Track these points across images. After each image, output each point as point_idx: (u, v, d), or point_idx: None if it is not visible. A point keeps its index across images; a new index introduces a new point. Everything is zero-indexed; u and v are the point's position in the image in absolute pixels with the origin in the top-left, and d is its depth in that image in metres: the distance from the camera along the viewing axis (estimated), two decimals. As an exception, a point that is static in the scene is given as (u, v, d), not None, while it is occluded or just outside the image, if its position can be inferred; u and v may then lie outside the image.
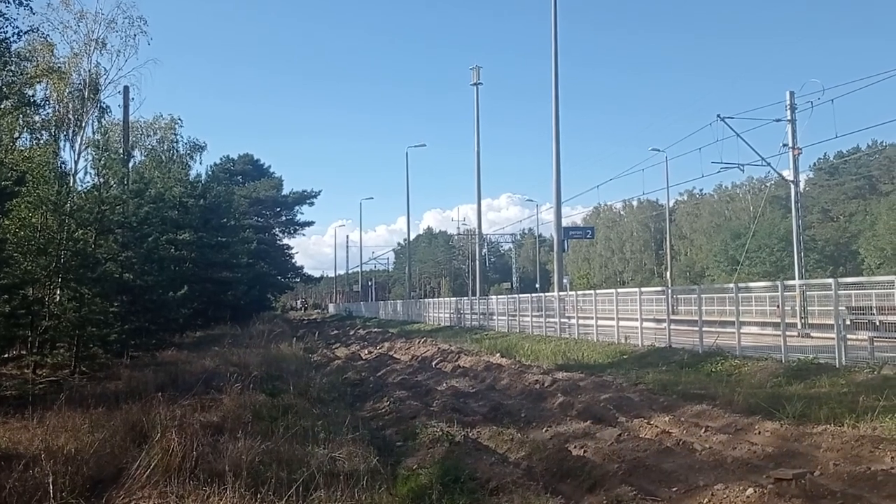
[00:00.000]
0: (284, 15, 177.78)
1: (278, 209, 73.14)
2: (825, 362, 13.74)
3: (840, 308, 14.51)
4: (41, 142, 28.07)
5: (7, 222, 16.16)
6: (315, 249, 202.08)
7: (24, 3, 20.04)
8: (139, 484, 6.60)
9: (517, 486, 7.09)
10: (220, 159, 68.74)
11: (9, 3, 19.03)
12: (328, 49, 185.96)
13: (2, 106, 20.60)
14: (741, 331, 17.10)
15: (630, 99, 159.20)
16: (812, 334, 18.92)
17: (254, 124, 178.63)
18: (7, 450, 8.22)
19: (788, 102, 26.96)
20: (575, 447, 8.95)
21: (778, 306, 18.50)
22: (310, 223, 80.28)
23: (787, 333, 16.04)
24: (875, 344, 13.89)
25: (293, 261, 73.19)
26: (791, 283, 22.51)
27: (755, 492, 6.43)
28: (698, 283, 62.13)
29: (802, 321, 22.36)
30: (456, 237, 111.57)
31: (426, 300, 63.39)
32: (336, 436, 9.05)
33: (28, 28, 22.48)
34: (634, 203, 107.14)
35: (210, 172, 57.68)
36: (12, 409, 10.62)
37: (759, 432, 9.00)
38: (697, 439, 8.96)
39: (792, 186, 28.17)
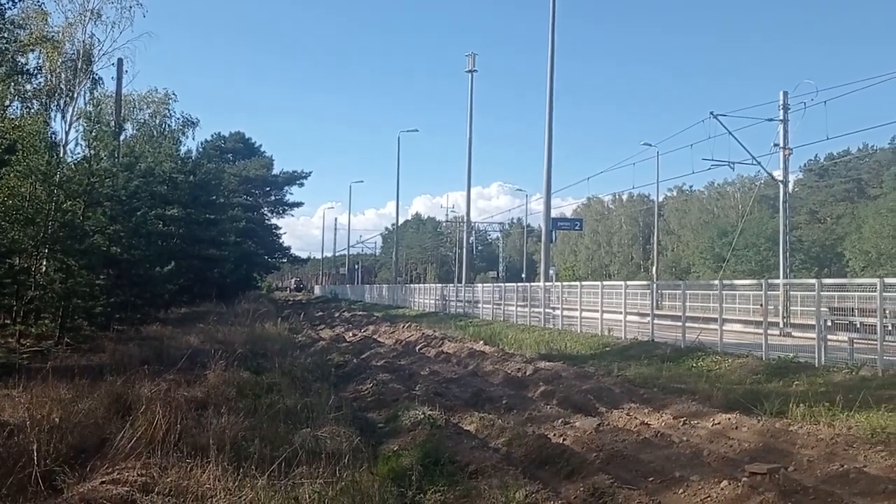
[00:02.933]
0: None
1: (268, 189, 72.88)
2: (805, 361, 13.93)
3: (822, 309, 14.70)
4: (32, 111, 27.79)
5: (-5, 190, 16.09)
6: (303, 230, 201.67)
7: (19, -32, 19.82)
8: (123, 454, 6.64)
9: (496, 470, 7.21)
10: (212, 136, 68.34)
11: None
12: (323, 30, 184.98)
13: (-7, 73, 20.41)
14: (724, 328, 17.29)
15: (623, 93, 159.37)
16: (794, 333, 19.17)
17: (246, 103, 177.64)
18: (-9, 418, 8.23)
19: (781, 102, 27.06)
20: (554, 435, 9.09)
21: (761, 305, 18.71)
22: (299, 204, 79.99)
23: (769, 332, 16.25)
24: (855, 345, 14.07)
25: (281, 241, 73.03)
26: (775, 282, 22.75)
27: (730, 484, 6.58)
28: (684, 279, 62.50)
29: (785, 320, 22.60)
30: (444, 224, 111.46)
31: (412, 285, 63.50)
32: (319, 415, 9.12)
33: (23, -5, 22.24)
34: (624, 196, 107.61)
35: (201, 149, 57.25)
36: (-4, 378, 10.61)
37: (737, 427, 9.16)
38: (675, 432, 9.11)
39: (781, 186, 28.35)
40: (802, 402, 9.83)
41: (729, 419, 9.49)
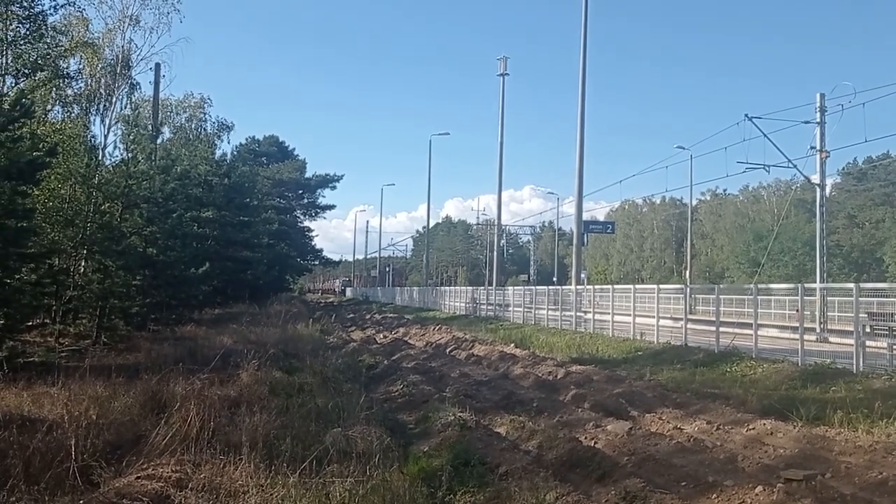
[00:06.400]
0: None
1: (301, 191, 73.52)
2: (843, 367, 13.64)
3: (861, 314, 14.39)
4: (72, 115, 28.42)
5: (37, 193, 16.44)
6: (335, 233, 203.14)
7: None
8: (157, 451, 6.76)
9: (527, 472, 7.18)
10: (246, 139, 69.25)
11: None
12: (356, 34, 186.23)
13: (36, 77, 20.89)
14: (759, 332, 17.01)
15: (657, 95, 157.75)
16: (831, 339, 18.79)
17: (280, 107, 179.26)
18: (31, 414, 8.42)
19: (818, 105, 26.54)
20: (586, 438, 9.02)
21: (797, 310, 18.38)
22: (331, 207, 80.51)
23: (806, 337, 15.93)
24: (894, 351, 13.77)
25: (313, 243, 73.63)
26: (812, 286, 22.31)
27: (765, 490, 6.47)
28: (718, 283, 61.63)
29: (822, 325, 22.16)
30: (475, 227, 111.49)
31: (442, 288, 63.53)
32: (350, 416, 9.18)
33: (65, 1, 22.72)
34: (657, 200, 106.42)
35: (236, 152, 58.15)
36: (36, 375, 10.84)
37: (773, 433, 8.99)
38: (709, 437, 8.98)
39: (818, 190, 27.82)
40: (840, 409, 9.63)
41: (764, 425, 9.33)
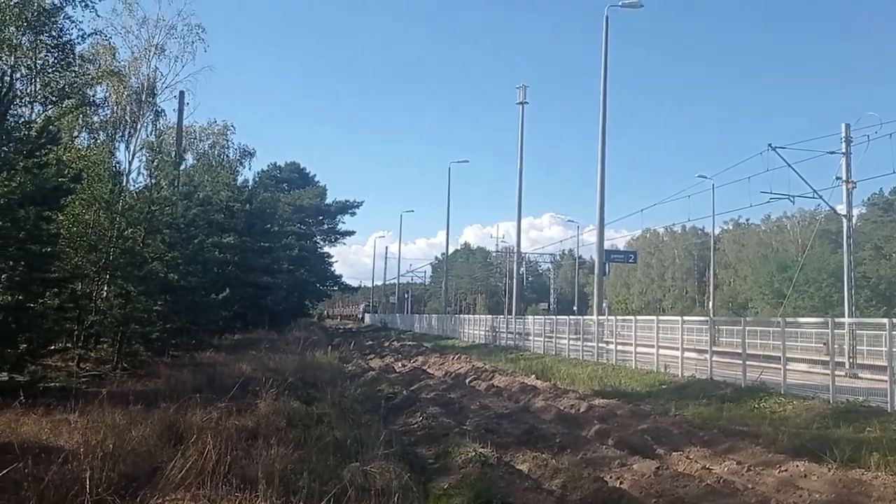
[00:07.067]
0: (330, 32, 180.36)
1: (321, 217, 73.97)
2: (876, 406, 13.24)
3: (894, 349, 13.99)
4: (98, 141, 28.81)
5: (61, 218, 16.56)
6: (355, 259, 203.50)
7: (89, 5, 20.66)
8: (173, 485, 6.61)
9: (551, 514, 6.94)
10: (268, 166, 70.02)
11: (74, 4, 19.64)
12: (377, 61, 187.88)
13: (64, 104, 21.21)
14: (787, 367, 16.61)
15: (678, 125, 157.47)
16: (861, 375, 18.32)
17: (301, 133, 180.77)
18: (48, 443, 8.34)
19: (844, 135, 26.26)
20: (611, 478, 8.75)
21: (825, 343, 17.97)
22: (351, 232, 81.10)
23: (835, 373, 15.52)
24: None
25: (332, 269, 73.84)
26: (841, 320, 21.84)
27: (801, 538, 6.19)
28: (741, 314, 60.85)
29: (851, 361, 21.66)
30: (494, 254, 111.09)
31: (461, 316, 63.20)
32: (368, 449, 8.98)
33: (92, 31, 23.18)
34: (678, 229, 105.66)
35: (257, 179, 58.69)
36: (55, 401, 10.78)
37: (806, 476, 8.67)
38: (740, 479, 8.68)
39: (844, 221, 27.38)
40: (876, 451, 9.30)
41: (797, 466, 9.01)
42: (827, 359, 16.36)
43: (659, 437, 11.17)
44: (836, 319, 19.14)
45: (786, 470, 8.95)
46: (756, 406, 14.50)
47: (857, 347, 23.77)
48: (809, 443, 10.31)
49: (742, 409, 14.33)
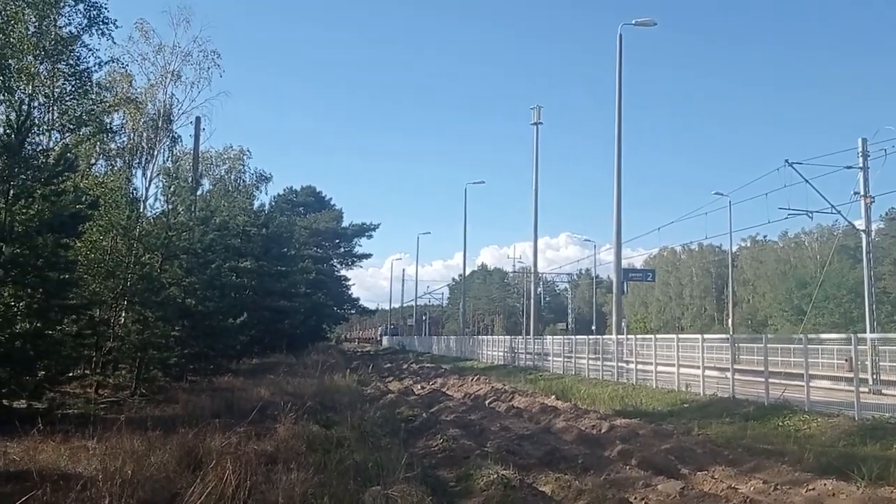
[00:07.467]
0: (346, 53, 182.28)
1: (337, 241, 74.18)
2: (903, 422, 12.97)
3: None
4: (115, 168, 29.09)
5: (79, 245, 16.69)
6: (371, 281, 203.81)
7: (106, 33, 20.98)
8: (192, 512, 6.56)
9: (576, 537, 6.81)
10: (284, 190, 70.47)
11: (91, 33, 19.95)
12: (392, 84, 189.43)
13: (81, 132, 21.47)
14: (810, 384, 16.35)
15: (694, 142, 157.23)
16: (885, 391, 17.99)
17: (317, 156, 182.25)
18: (66, 469, 8.32)
19: (861, 150, 26.09)
20: (636, 499, 8.60)
21: (848, 360, 17.68)
22: (367, 255, 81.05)
23: (859, 390, 15.25)
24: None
25: (350, 292, 73.89)
26: (863, 336, 21.51)
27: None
28: (761, 331, 60.13)
29: (874, 377, 21.30)
30: (511, 275, 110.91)
31: (480, 337, 62.93)
32: (389, 473, 8.88)
33: (109, 59, 23.49)
34: (695, 247, 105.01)
35: (273, 203, 59.05)
36: (74, 428, 10.77)
37: (834, 494, 8.48)
38: (767, 498, 8.50)
39: (864, 236, 27.14)
40: (906, 468, 9.08)
41: (825, 485, 8.80)
42: (850, 375, 16.09)
43: (683, 457, 10.99)
44: (859, 335, 18.83)
45: (813, 489, 8.75)
46: (780, 424, 14.26)
47: (880, 363, 23.39)
48: (836, 461, 10.10)
49: (766, 427, 14.09)
